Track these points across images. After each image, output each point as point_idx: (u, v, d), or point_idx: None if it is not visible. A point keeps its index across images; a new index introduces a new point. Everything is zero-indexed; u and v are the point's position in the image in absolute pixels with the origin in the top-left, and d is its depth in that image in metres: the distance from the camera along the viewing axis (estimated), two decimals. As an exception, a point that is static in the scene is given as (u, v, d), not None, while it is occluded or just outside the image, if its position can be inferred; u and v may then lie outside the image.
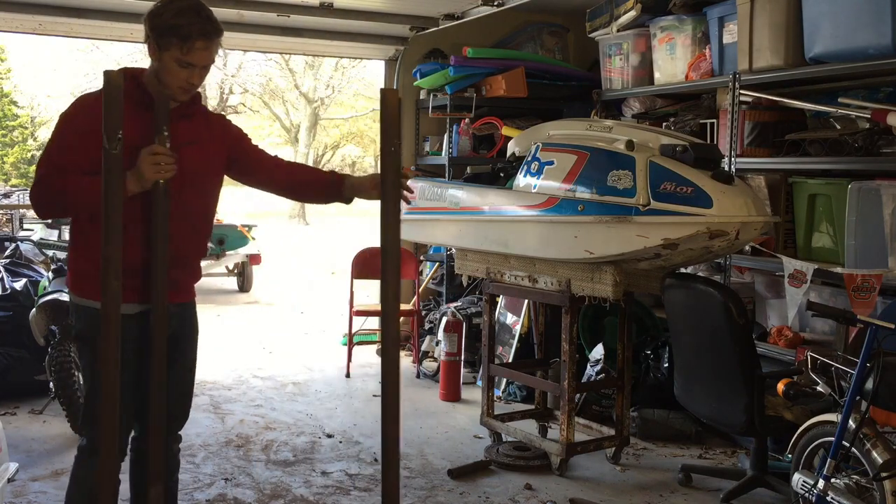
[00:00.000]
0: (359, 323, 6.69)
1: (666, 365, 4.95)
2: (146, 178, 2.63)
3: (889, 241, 3.89)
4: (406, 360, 6.81)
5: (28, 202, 11.46)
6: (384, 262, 2.46)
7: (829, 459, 3.18)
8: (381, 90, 2.50)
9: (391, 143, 2.46)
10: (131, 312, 2.76)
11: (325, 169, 3.14)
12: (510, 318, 5.91)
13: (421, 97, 6.99)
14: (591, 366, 5.17)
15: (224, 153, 3.00)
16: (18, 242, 6.46)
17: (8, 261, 6.00)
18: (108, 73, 2.39)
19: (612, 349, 4.86)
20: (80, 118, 2.73)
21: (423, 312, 6.75)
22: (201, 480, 4.13)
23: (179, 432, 3.12)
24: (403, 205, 3.34)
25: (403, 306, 6.92)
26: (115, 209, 2.42)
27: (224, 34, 2.81)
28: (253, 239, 11.00)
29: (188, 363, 3.07)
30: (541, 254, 4.14)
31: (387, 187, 2.47)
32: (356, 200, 3.14)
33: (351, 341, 6.42)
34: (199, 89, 2.91)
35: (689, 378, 3.99)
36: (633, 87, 5.74)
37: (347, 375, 6.29)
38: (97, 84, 2.84)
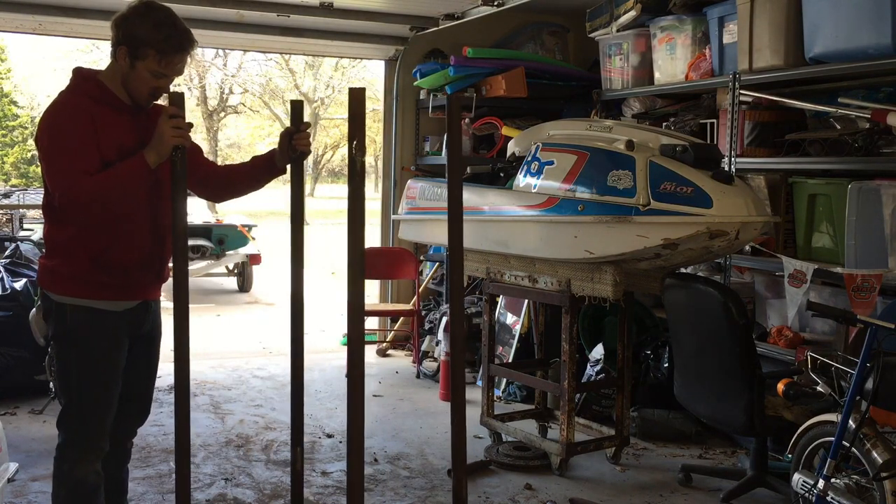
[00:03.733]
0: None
1: (666, 365, 4.94)
2: (167, 142, 2.63)
3: (889, 241, 3.89)
4: (406, 360, 6.81)
5: (28, 202, 11.46)
6: (350, 260, 2.46)
7: (829, 459, 3.18)
8: (350, 89, 2.51)
9: (356, 141, 2.46)
10: (119, 310, 2.84)
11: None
12: (510, 318, 5.91)
13: (421, 97, 7.00)
14: (591, 366, 5.17)
15: None
16: (18, 242, 6.47)
17: (8, 261, 5.99)
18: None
19: (612, 349, 4.86)
20: (77, 119, 2.70)
21: (423, 312, 6.75)
22: (201, 480, 4.12)
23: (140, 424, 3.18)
24: (404, 205, 3.29)
25: (403, 306, 6.93)
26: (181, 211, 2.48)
27: (199, 43, 2.86)
28: (253, 239, 11.00)
29: (152, 367, 3.12)
30: (541, 254, 4.14)
31: (353, 185, 2.47)
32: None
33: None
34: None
35: (689, 378, 3.99)
36: (633, 87, 5.74)
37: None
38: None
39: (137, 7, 2.76)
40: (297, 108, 3.00)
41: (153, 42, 2.70)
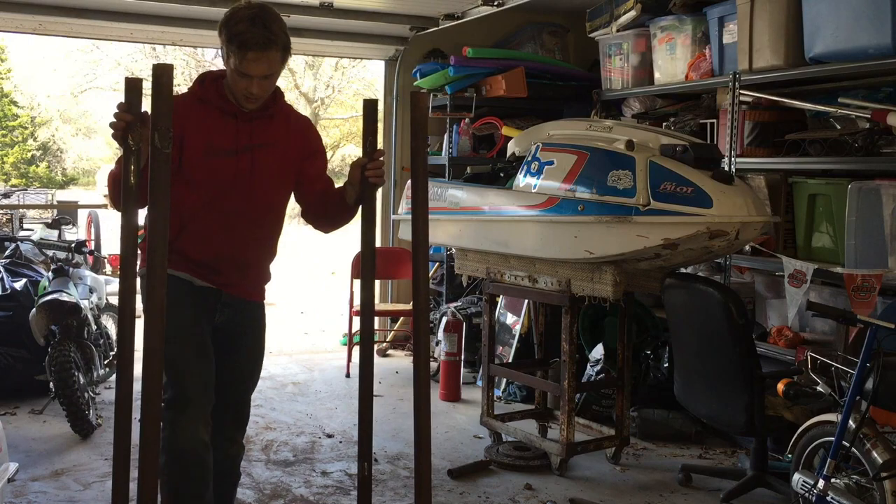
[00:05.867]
0: (359, 323, 6.68)
1: (666, 365, 4.95)
2: (113, 134, 2.38)
3: (889, 241, 3.89)
4: (406, 360, 6.81)
5: (28, 202, 11.47)
6: (415, 261, 2.44)
7: (829, 459, 3.18)
8: (412, 93, 2.50)
9: (422, 144, 2.44)
10: (184, 278, 2.79)
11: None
12: (510, 318, 5.91)
13: (421, 97, 7.00)
14: (591, 366, 5.16)
15: (298, 159, 2.90)
16: (18, 242, 6.46)
17: (8, 261, 5.99)
18: (157, 67, 2.24)
19: (612, 349, 4.86)
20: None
21: (423, 312, 6.74)
22: (201, 480, 4.12)
23: (239, 438, 3.09)
24: (403, 205, 3.18)
25: (403, 306, 6.93)
26: (162, 206, 2.28)
27: (282, 44, 2.66)
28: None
29: (239, 366, 2.97)
30: (541, 254, 4.14)
31: (417, 186, 2.45)
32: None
33: (351, 341, 6.41)
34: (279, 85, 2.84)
35: (689, 378, 3.99)
36: (633, 87, 5.74)
37: (347, 375, 6.29)
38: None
39: (238, 4, 2.69)
40: (370, 107, 2.68)
41: (232, 39, 2.61)
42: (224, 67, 2.75)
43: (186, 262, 2.79)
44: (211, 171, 2.72)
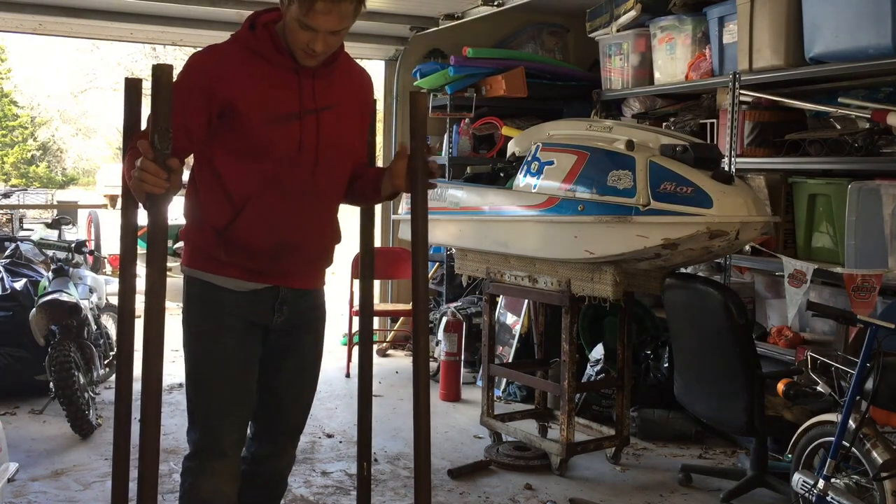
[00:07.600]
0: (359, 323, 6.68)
1: (666, 365, 4.95)
2: (134, 192, 2.16)
3: (889, 241, 3.90)
4: (406, 360, 6.81)
5: (28, 202, 11.45)
6: (414, 261, 2.43)
7: (829, 459, 3.18)
8: (411, 93, 2.44)
9: (421, 144, 2.43)
10: (236, 289, 2.44)
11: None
12: (510, 318, 5.91)
13: (421, 97, 6.99)
14: (591, 366, 5.16)
15: (358, 123, 2.56)
16: (18, 242, 6.46)
17: (8, 261, 5.99)
18: (157, 67, 2.11)
19: (612, 349, 4.86)
20: (192, 75, 2.31)
21: (423, 312, 6.73)
22: (201, 480, 4.12)
23: (291, 449, 2.70)
24: (403, 205, 3.15)
25: (403, 306, 6.94)
26: (161, 205, 2.16)
27: None
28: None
29: (298, 367, 2.60)
30: (541, 254, 4.14)
31: (415, 185, 2.45)
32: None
33: (351, 341, 6.41)
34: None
35: (689, 378, 3.99)
36: (633, 87, 5.74)
37: (347, 375, 6.29)
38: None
39: None
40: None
41: None
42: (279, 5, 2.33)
43: (238, 257, 2.41)
44: (271, 140, 2.33)
